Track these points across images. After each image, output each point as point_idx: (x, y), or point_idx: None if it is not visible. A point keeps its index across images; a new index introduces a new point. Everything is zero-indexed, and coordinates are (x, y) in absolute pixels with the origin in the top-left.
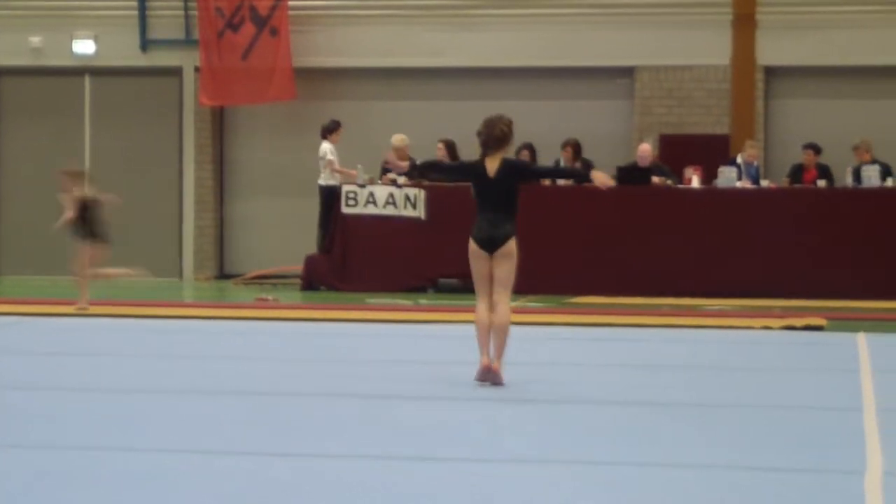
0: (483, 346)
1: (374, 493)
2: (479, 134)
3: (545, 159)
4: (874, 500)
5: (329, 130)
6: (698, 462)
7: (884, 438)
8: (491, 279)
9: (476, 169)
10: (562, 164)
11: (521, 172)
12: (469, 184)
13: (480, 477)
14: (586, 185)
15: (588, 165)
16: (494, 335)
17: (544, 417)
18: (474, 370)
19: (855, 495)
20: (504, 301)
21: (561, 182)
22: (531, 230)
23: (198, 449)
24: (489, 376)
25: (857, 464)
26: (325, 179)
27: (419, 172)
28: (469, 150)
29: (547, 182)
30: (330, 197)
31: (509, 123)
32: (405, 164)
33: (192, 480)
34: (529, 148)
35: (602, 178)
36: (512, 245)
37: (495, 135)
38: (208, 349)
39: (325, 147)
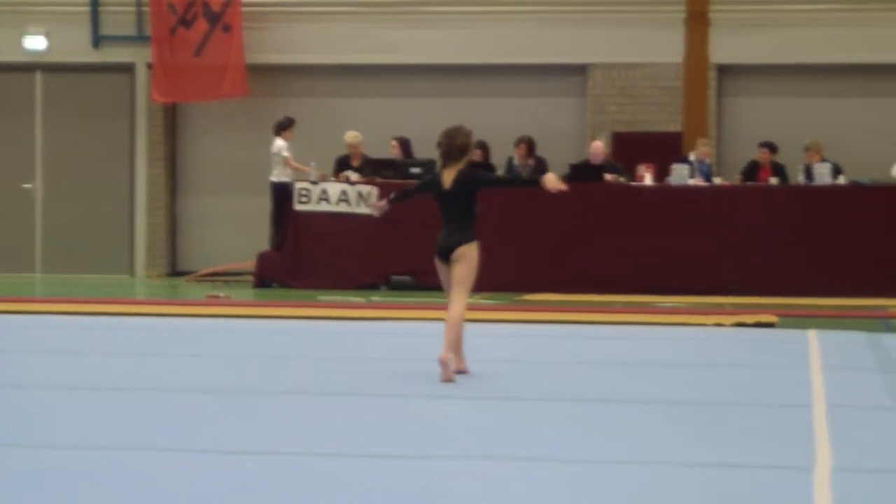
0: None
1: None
2: (440, 145)
3: (498, 157)
4: (823, 496)
5: (283, 127)
6: (647, 458)
7: (833, 434)
8: None
9: (435, 182)
10: (515, 161)
11: (476, 183)
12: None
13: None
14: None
15: (541, 163)
16: (448, 329)
17: (500, 412)
18: (434, 367)
19: (804, 491)
20: (458, 300)
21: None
22: (483, 227)
23: (150, 447)
24: (447, 371)
25: (806, 460)
26: (277, 176)
27: (396, 202)
28: (424, 148)
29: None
30: (282, 194)
31: (468, 135)
32: (383, 204)
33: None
34: (482, 146)
35: (553, 182)
36: (465, 249)
37: (457, 146)
38: (160, 346)
39: (280, 143)
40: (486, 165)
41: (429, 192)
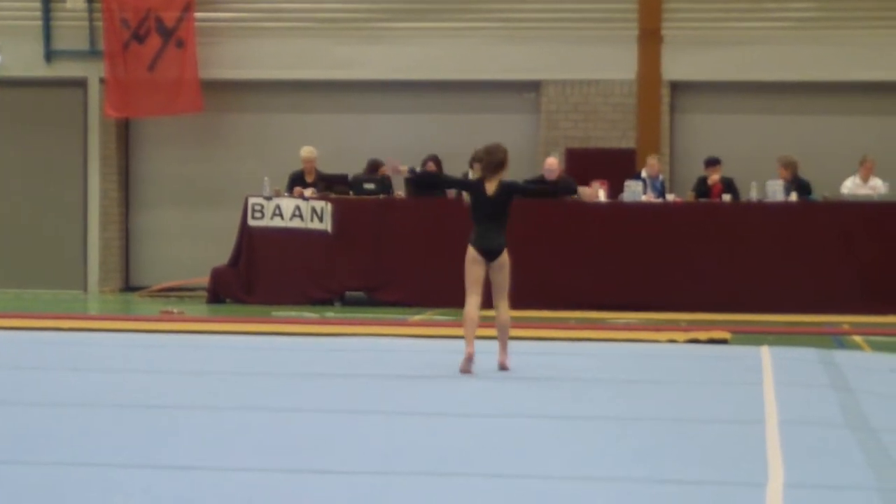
0: (469, 337)
1: None
2: (480, 160)
3: (450, 172)
4: None
5: None
6: (599, 475)
7: (785, 450)
8: (483, 282)
9: (477, 188)
10: (470, 176)
11: (514, 192)
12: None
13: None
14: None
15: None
16: (499, 332)
17: (452, 428)
18: (381, 384)
19: None
20: (504, 304)
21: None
22: (438, 243)
23: (100, 462)
24: (468, 366)
25: (758, 476)
26: None
27: (416, 179)
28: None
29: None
30: None
31: (506, 151)
32: (404, 169)
33: (91, 494)
34: (435, 160)
35: (590, 194)
36: (506, 255)
37: (496, 161)
38: (112, 362)
39: None
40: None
41: (467, 191)
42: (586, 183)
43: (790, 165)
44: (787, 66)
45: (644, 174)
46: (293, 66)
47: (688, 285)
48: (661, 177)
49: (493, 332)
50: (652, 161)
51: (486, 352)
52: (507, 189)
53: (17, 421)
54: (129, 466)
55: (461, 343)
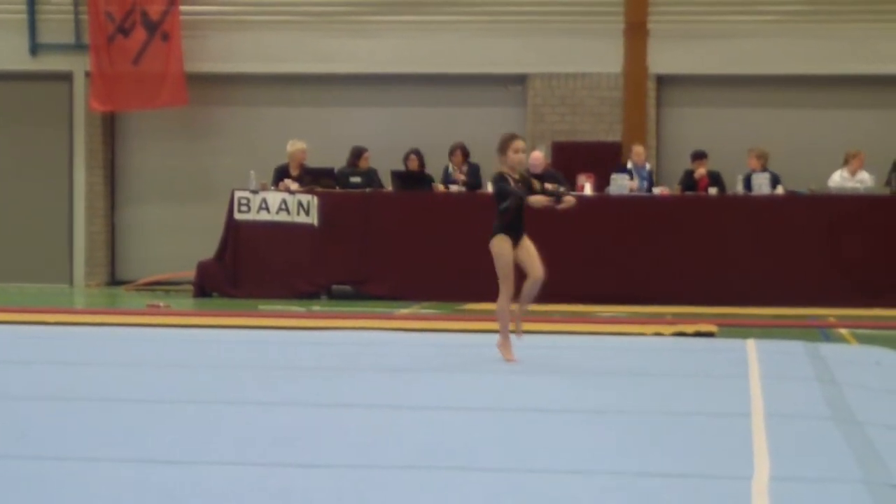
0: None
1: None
2: None
3: (436, 166)
4: None
5: None
6: (584, 468)
7: (771, 443)
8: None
9: None
10: (450, 169)
11: (493, 185)
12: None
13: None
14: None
15: (473, 168)
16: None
17: (446, 423)
18: (368, 378)
19: (742, 500)
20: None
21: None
22: (425, 237)
23: (84, 456)
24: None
25: (744, 469)
26: None
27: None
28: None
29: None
30: None
31: (501, 140)
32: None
33: (74, 488)
34: (417, 154)
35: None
36: (490, 245)
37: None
38: (98, 356)
39: None
40: (422, 174)
41: None
42: (572, 176)
43: (763, 156)
44: (774, 60)
45: (629, 165)
46: (278, 59)
47: (674, 278)
48: (647, 166)
49: (493, 325)
50: (638, 149)
51: (463, 345)
52: (492, 180)
53: (1, 415)
54: (114, 460)
55: (448, 336)
